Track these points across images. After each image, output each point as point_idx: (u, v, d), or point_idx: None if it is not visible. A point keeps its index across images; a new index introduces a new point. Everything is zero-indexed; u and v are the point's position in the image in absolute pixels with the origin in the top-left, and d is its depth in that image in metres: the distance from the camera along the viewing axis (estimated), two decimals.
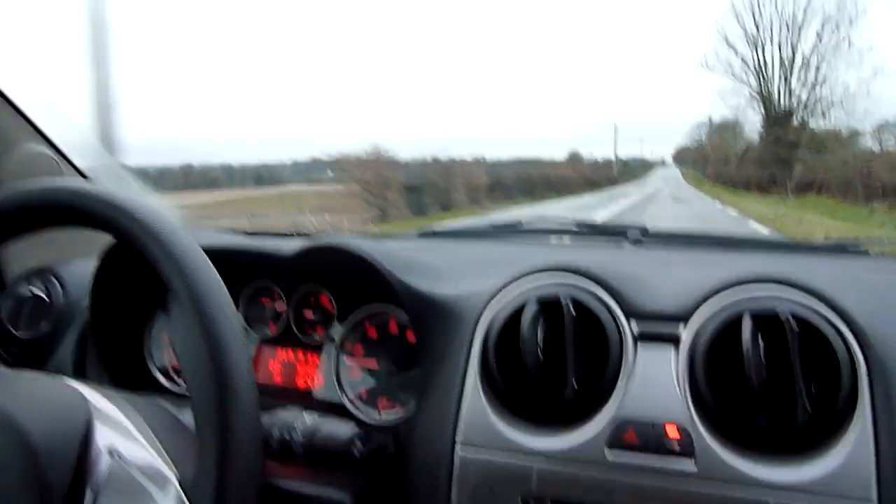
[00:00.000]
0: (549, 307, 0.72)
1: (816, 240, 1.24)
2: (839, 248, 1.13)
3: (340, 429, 0.72)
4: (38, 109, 1.21)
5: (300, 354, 1.00)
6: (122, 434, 0.60)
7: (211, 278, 0.60)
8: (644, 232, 1.17)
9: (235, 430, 0.55)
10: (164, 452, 0.60)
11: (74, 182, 0.67)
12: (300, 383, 0.99)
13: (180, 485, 0.57)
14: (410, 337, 0.93)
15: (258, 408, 0.59)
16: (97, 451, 0.58)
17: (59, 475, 0.55)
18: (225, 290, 0.61)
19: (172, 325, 0.59)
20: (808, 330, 0.66)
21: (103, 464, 0.57)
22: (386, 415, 0.92)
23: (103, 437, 0.59)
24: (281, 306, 1.02)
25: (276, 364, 1.01)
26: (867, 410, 0.63)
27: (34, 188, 0.66)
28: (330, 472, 0.73)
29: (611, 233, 1.22)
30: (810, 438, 0.64)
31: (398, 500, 0.77)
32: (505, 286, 0.78)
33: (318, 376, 0.98)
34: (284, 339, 1.01)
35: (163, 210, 0.65)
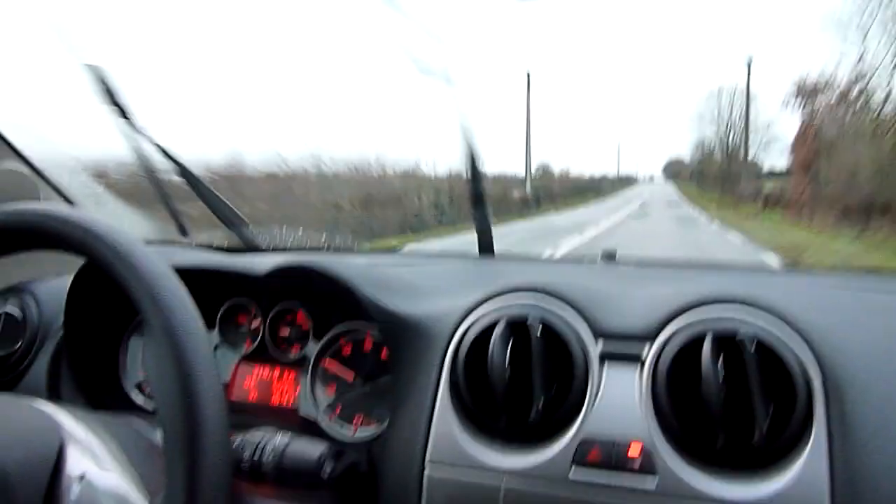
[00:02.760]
0: (517, 327, 0.74)
1: (786, 265, 1.27)
2: (806, 272, 1.16)
3: (310, 449, 0.73)
4: (15, 130, 1.20)
5: (276, 372, 1.00)
6: (93, 460, 0.60)
7: (181, 305, 0.61)
8: (613, 254, 1.19)
9: (204, 456, 0.56)
10: (136, 477, 0.60)
11: (46, 205, 0.67)
12: (275, 401, 0.99)
13: None
14: (384, 354, 0.94)
15: (227, 433, 0.59)
16: (68, 478, 0.58)
17: (30, 501, 0.55)
18: (196, 315, 0.62)
19: (146, 348, 0.60)
20: (767, 350, 0.68)
21: (74, 491, 0.58)
22: (361, 431, 0.93)
23: (75, 463, 0.59)
24: (257, 324, 1.03)
25: (253, 381, 1.01)
26: (822, 431, 0.65)
27: (5, 211, 0.67)
28: (301, 492, 0.74)
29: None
30: (767, 456, 0.66)
31: None
32: (477, 305, 0.80)
33: (293, 394, 0.99)
34: (260, 357, 1.02)
35: (134, 235, 0.66)
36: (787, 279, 1.07)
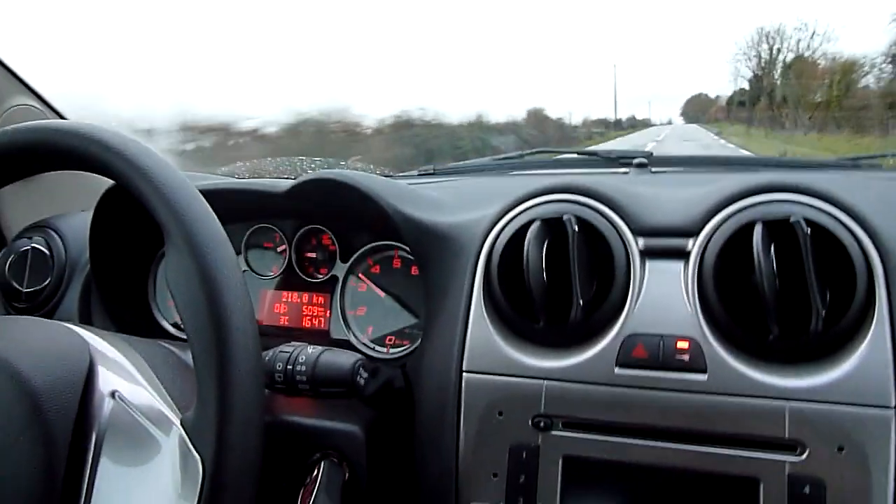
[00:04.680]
0: (552, 227, 0.70)
1: (829, 158, 1.21)
2: (852, 164, 1.10)
3: (343, 357, 0.71)
4: (25, 65, 1.18)
5: (305, 296, 0.99)
6: (124, 377, 0.59)
7: (205, 217, 0.58)
8: (649, 157, 1.14)
9: (234, 365, 0.54)
10: (166, 394, 0.59)
11: (60, 122, 0.64)
12: (306, 324, 0.98)
13: (183, 425, 0.56)
14: (415, 271, 0.92)
15: (258, 343, 0.57)
16: (100, 394, 0.57)
17: (61, 420, 0.54)
18: (219, 224, 0.59)
19: (168, 265, 0.58)
20: (821, 235, 0.63)
21: (106, 407, 0.57)
22: (394, 350, 0.91)
23: (105, 380, 0.58)
24: (283, 248, 1.01)
25: (282, 306, 1.00)
26: (884, 314, 0.61)
27: (19, 128, 0.64)
28: (338, 405, 0.73)
29: (615, 160, 1.19)
30: (825, 346, 0.63)
31: (409, 432, 0.77)
32: (509, 209, 0.76)
33: (324, 316, 0.97)
34: (289, 281, 1.00)
35: (154, 150, 0.63)
36: (834, 173, 1.01)
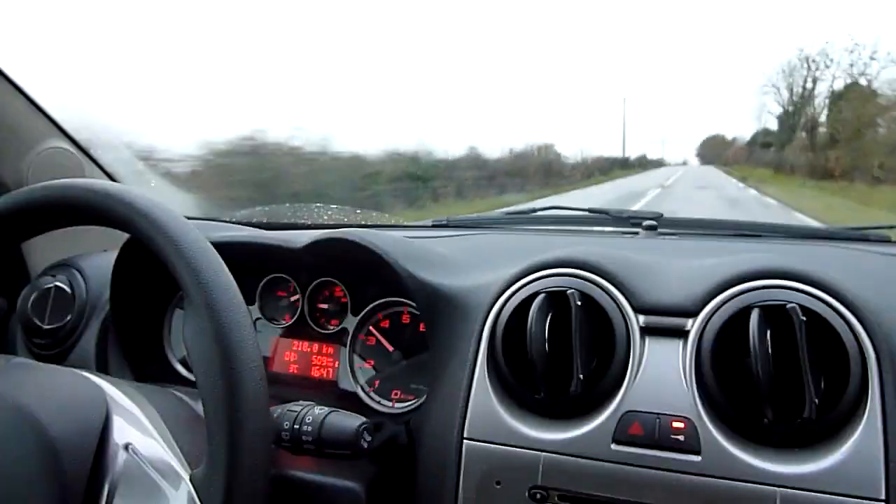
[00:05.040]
0: (557, 300, 0.73)
1: (837, 228, 1.22)
2: (860, 236, 1.11)
3: (348, 420, 0.73)
4: (62, 110, 1.23)
5: (315, 346, 1.01)
6: (138, 429, 0.62)
7: (222, 279, 0.61)
8: (658, 218, 1.16)
9: (244, 426, 0.57)
10: (177, 448, 0.62)
11: (90, 181, 0.68)
12: (315, 374, 1.00)
13: (192, 481, 0.58)
14: (423, 328, 0.94)
15: (267, 404, 0.60)
16: (114, 446, 0.60)
17: (77, 469, 0.57)
18: (236, 289, 0.62)
19: (186, 324, 0.61)
20: (817, 322, 0.65)
21: (120, 459, 0.59)
22: (399, 405, 0.93)
23: (120, 432, 0.61)
24: (296, 298, 1.04)
25: (292, 355, 1.02)
26: (877, 403, 0.62)
27: (53, 186, 0.68)
28: (341, 463, 0.75)
29: (626, 219, 1.22)
30: (818, 432, 0.64)
31: (409, 491, 0.78)
32: (515, 280, 0.79)
33: (332, 367, 0.99)
34: (300, 331, 1.03)
35: (175, 209, 0.66)
36: (837, 249, 1.03)
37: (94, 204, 0.66)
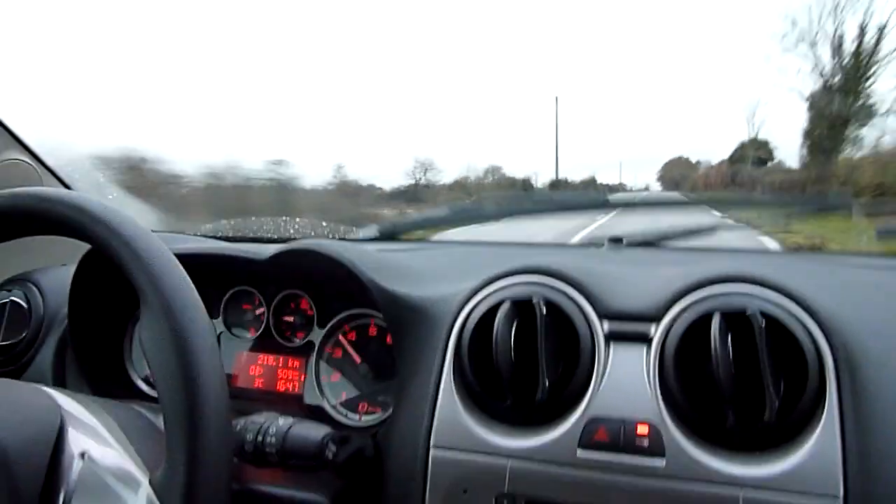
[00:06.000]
0: (522, 308, 0.73)
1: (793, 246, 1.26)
2: (815, 249, 1.15)
3: (313, 431, 0.72)
4: (18, 121, 1.21)
5: (281, 359, 1.00)
6: (94, 438, 0.60)
7: (180, 283, 0.60)
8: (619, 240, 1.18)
9: (204, 432, 0.56)
10: (136, 454, 0.60)
11: (42, 188, 0.67)
12: (281, 387, 0.99)
13: (151, 485, 0.57)
14: (390, 339, 0.94)
15: (228, 411, 0.59)
16: (69, 455, 0.58)
17: (30, 480, 0.55)
18: (195, 294, 0.61)
19: (143, 328, 0.60)
20: (776, 328, 0.67)
21: (75, 467, 0.58)
22: (366, 418, 0.92)
23: (76, 441, 0.59)
24: (261, 311, 1.03)
25: (258, 369, 1.01)
26: (834, 407, 0.64)
27: (2, 195, 0.66)
28: (306, 475, 0.73)
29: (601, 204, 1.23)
30: (778, 434, 0.65)
31: (376, 503, 0.77)
32: (481, 288, 0.79)
33: (298, 380, 0.98)
34: (265, 344, 1.01)
35: (132, 216, 0.65)
36: (793, 260, 1.06)
37: (46, 211, 0.65)
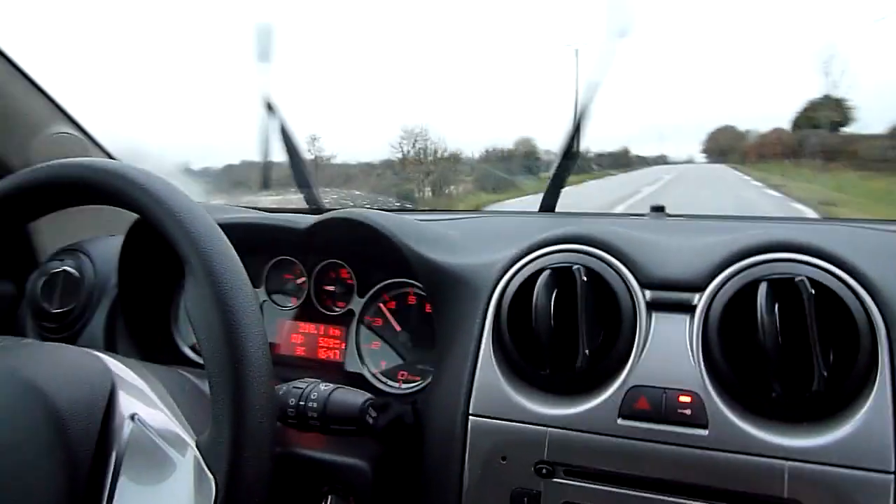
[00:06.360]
0: (562, 276, 0.72)
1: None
2: (862, 219, 1.10)
3: (353, 396, 0.73)
4: (67, 95, 1.24)
5: (321, 328, 1.02)
6: (143, 401, 0.63)
7: (224, 251, 0.61)
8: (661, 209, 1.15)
9: (249, 395, 0.57)
10: (182, 417, 0.62)
11: (88, 159, 0.68)
12: (322, 355, 1.01)
13: (198, 446, 0.59)
14: (429, 308, 0.94)
15: (271, 370, 0.60)
16: (120, 417, 0.60)
17: (84, 441, 0.57)
18: (238, 262, 0.62)
19: (187, 294, 0.61)
20: (826, 295, 0.64)
21: (126, 429, 0.60)
22: (406, 385, 0.93)
23: (126, 404, 0.61)
24: (302, 281, 1.04)
25: (299, 337, 1.03)
26: (887, 376, 0.62)
27: (51, 165, 0.68)
28: (347, 441, 0.75)
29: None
30: (827, 405, 0.63)
31: (416, 468, 0.78)
32: (521, 256, 0.78)
33: (339, 349, 1.00)
34: (306, 313, 1.03)
35: (176, 184, 0.66)
36: (839, 228, 1.02)
37: (92, 181, 0.66)
